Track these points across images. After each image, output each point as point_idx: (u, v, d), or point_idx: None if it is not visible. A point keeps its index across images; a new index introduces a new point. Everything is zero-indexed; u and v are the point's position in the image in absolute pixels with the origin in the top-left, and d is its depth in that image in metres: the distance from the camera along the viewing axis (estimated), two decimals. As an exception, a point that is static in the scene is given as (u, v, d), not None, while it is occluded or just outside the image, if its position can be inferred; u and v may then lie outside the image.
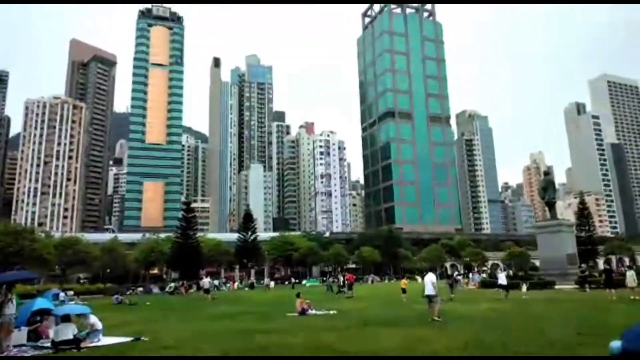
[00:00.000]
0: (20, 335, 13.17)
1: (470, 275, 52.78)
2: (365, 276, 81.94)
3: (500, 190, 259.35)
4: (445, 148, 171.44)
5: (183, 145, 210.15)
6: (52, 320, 14.54)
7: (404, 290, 28.78)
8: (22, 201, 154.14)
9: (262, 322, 17.55)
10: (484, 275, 50.97)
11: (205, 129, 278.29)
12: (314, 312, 20.68)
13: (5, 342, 12.26)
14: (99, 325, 13.56)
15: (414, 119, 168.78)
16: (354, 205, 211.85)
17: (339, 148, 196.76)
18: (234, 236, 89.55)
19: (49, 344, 12.55)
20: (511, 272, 49.05)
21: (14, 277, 18.54)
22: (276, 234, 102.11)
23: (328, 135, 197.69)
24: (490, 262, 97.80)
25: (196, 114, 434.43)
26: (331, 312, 21.07)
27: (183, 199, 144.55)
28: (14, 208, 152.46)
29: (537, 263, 51.52)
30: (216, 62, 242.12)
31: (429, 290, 16.31)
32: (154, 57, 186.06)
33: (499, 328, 13.50)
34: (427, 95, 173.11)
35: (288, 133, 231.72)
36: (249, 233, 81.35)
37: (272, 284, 67.68)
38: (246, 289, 61.74)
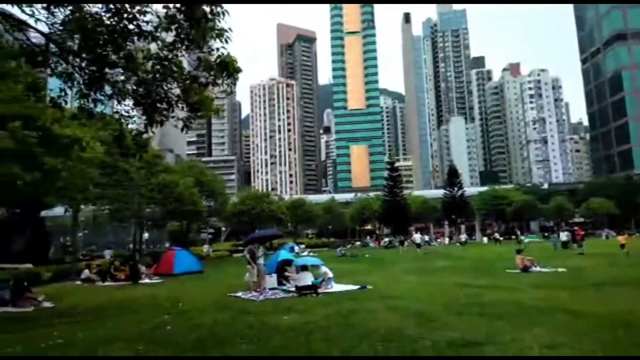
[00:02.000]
0: (272, 281, 16.03)
1: None
2: (597, 231, 71.43)
3: None
4: None
5: (381, 108, 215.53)
6: (293, 269, 17.29)
7: (622, 246, 27.32)
8: (257, 171, 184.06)
9: (480, 278, 17.12)
10: None
11: (400, 88, 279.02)
12: (538, 269, 19.16)
13: (262, 286, 15.22)
14: (330, 274, 15.40)
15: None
16: (577, 151, 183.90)
17: (553, 87, 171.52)
18: (439, 192, 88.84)
19: (293, 289, 14.89)
20: None
21: (265, 234, 22.59)
22: (485, 188, 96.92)
23: (538, 75, 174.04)
24: None
25: (391, 75, 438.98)
26: (559, 269, 19.15)
27: (386, 159, 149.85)
28: (252, 177, 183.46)
29: None
30: (406, 18, 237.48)
31: None
32: (348, 26, 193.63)
33: None
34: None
35: (489, 79, 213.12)
36: (455, 189, 79.38)
37: (485, 239, 65.25)
38: (457, 244, 60.95)
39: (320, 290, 14.01)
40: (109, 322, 10.65)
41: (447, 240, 68.76)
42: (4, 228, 35.96)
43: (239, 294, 14.56)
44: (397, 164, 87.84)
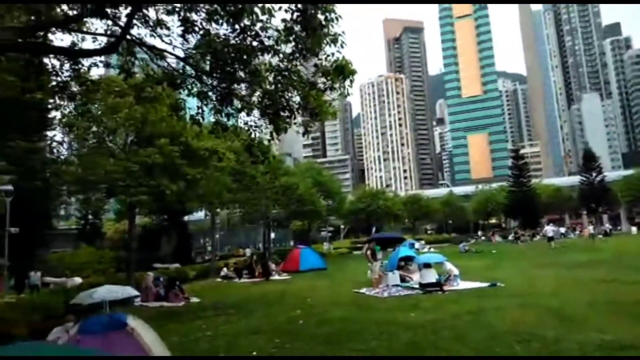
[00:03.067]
0: (394, 277, 16.00)
1: None
2: None
3: None
4: None
5: (500, 92, 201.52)
6: (415, 266, 17.06)
7: None
8: (371, 168, 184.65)
9: (628, 273, 15.03)
10: None
11: (521, 69, 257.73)
12: None
13: (384, 282, 15.31)
14: (455, 271, 14.85)
15: None
16: None
17: None
18: (574, 179, 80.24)
19: (416, 285, 14.69)
20: None
21: (383, 235, 22.78)
22: (630, 171, 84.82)
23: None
24: None
25: (509, 56, 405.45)
26: None
27: (509, 146, 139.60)
28: (366, 175, 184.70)
29: None
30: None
31: None
32: (457, 10, 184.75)
33: None
34: None
35: (628, 47, 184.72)
36: (593, 174, 70.89)
37: (633, 229, 57.36)
38: (599, 236, 54.40)
39: (445, 288, 13.63)
40: (247, 315, 11.67)
41: (587, 232, 61.62)
42: (155, 233, 41.41)
43: (363, 290, 14.84)
44: (522, 151, 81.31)
